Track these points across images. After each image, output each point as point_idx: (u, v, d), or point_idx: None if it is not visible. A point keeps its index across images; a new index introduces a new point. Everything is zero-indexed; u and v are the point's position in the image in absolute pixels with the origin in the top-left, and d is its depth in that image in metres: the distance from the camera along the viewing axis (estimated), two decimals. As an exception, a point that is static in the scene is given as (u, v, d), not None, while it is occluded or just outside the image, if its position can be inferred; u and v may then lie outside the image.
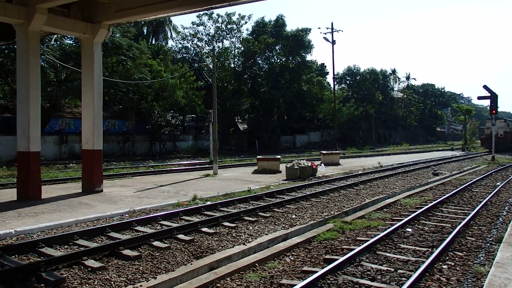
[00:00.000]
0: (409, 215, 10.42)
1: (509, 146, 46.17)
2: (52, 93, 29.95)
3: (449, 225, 9.60)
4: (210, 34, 48.48)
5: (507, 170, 23.50)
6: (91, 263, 6.40)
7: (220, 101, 39.78)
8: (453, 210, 11.45)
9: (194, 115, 44.73)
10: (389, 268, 6.58)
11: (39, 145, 12.25)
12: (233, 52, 49.29)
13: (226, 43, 49.26)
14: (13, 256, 6.70)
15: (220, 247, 7.58)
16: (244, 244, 7.87)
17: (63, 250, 7.16)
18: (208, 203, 11.27)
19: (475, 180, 17.94)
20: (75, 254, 6.59)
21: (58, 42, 29.41)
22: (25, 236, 8.01)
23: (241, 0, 10.81)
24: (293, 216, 10.21)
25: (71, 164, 25.13)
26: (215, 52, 42.35)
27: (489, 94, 32.01)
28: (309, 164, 18.84)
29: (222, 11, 48.78)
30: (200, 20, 47.68)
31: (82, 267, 6.31)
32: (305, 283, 5.65)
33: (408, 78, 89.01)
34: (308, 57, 52.86)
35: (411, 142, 70.46)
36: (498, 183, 17.13)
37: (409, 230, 9.10)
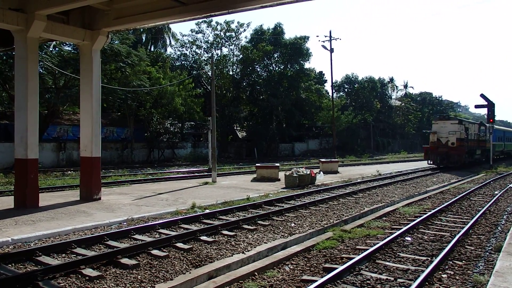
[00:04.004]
0: (408, 223, 10.40)
1: (465, 160, 30.31)
2: (50, 100, 29.96)
3: (448, 234, 9.58)
4: (209, 41, 48.72)
5: (505, 179, 23.52)
6: (89, 272, 6.35)
7: (219, 108, 39.84)
8: (452, 219, 11.44)
9: (192, 123, 44.77)
10: (389, 277, 6.55)
11: (37, 152, 12.20)
12: (231, 59, 49.46)
13: (225, 50, 49.57)
14: (10, 265, 6.63)
15: (219, 256, 7.54)
16: (243, 252, 7.83)
17: (61, 258, 7.10)
18: (207, 211, 11.23)
19: (473, 188, 17.94)
20: (73, 263, 6.53)
21: (56, 49, 29.47)
22: (22, 244, 7.94)
23: (239, 8, 10.86)
24: (292, 225, 10.17)
25: (69, 172, 25.05)
26: (214, 60, 42.51)
27: (486, 103, 32.07)
28: (308, 172, 18.82)
29: (221, 19, 49.08)
30: (199, 27, 47.99)
31: (79, 276, 6.25)
32: (305, 293, 5.61)
33: (406, 86, 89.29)
34: (307, 65, 53.17)
35: (409, 150, 70.50)
36: (496, 192, 17.13)
37: (409, 239, 9.07)
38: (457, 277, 6.67)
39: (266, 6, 10.56)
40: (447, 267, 7.19)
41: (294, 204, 12.78)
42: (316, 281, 6.13)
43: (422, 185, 19.64)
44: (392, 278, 6.50)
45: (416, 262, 7.41)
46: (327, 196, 14.40)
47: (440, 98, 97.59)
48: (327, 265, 7.19)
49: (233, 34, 48.74)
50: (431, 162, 30.08)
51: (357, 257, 7.22)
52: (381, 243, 8.24)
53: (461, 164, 29.53)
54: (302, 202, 13.16)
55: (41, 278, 5.95)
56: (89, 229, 9.20)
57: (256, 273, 6.90)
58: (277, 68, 51.43)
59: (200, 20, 46.08)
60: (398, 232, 9.24)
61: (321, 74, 66.31)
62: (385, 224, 10.85)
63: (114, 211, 11.20)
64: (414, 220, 10.87)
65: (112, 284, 6.04)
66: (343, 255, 7.80)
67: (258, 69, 50.82)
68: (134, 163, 34.47)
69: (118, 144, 35.54)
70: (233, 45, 49.43)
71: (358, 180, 20.57)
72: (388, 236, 8.96)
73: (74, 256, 7.20)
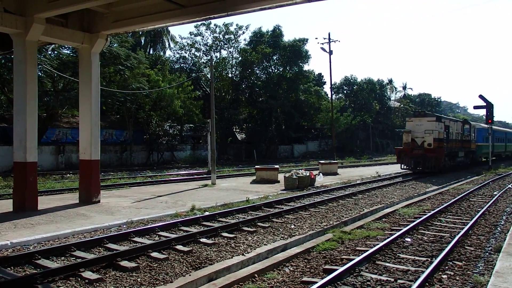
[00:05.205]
0: (408, 224, 10.40)
1: (444, 163, 26.03)
2: (49, 103, 29.97)
3: (448, 234, 9.58)
4: (208, 44, 48.78)
5: (504, 180, 23.53)
6: (88, 275, 6.33)
7: (218, 110, 39.81)
8: (451, 220, 11.44)
9: (192, 125, 44.77)
10: (389, 278, 6.54)
11: (36, 156, 12.18)
12: (230, 62, 49.50)
13: (224, 53, 49.61)
14: (9, 268, 6.61)
15: (219, 258, 7.53)
16: (243, 254, 7.82)
17: (60, 261, 7.08)
18: (207, 213, 11.22)
19: (472, 189, 17.95)
20: (72, 266, 6.52)
21: (55, 52, 29.47)
22: (21, 247, 7.91)
23: (239, 10, 10.87)
24: (292, 226, 10.16)
25: (68, 175, 25.02)
26: (213, 62, 42.51)
27: (485, 104, 32.10)
28: (308, 174, 18.82)
29: (219, 22, 49.33)
30: (198, 30, 48.05)
31: (79, 279, 6.24)
32: (305, 294, 5.60)
33: (404, 87, 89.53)
34: (306, 67, 53.15)
35: (408, 151, 70.39)
36: (495, 193, 17.14)
37: (408, 239, 9.07)
38: (457, 278, 6.67)
39: (265, 9, 10.56)
40: (447, 267, 7.19)
41: (293, 205, 12.78)
42: (316, 282, 6.12)
43: (422, 186, 19.64)
44: (392, 279, 6.49)
45: (416, 263, 7.41)
46: (326, 198, 14.40)
47: (439, 99, 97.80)
48: (327, 267, 7.18)
49: (232, 36, 48.80)
50: (405, 167, 25.95)
51: (357, 258, 7.21)
52: (381, 244, 8.23)
53: (440, 169, 25.38)
54: (301, 203, 13.16)
55: (41, 281, 5.94)
56: (88, 232, 9.17)
57: (256, 275, 6.89)
58: (276, 70, 51.48)
59: (199, 23, 46.16)
60: (398, 233, 9.24)
61: (320, 76, 66.42)
62: (385, 225, 10.85)
63: (113, 214, 11.18)
64: (414, 221, 10.87)
65: (112, 287, 6.03)
66: (343, 257, 7.80)
67: (257, 71, 50.89)
68: (133, 165, 34.45)
69: (117, 147, 35.51)
70: (232, 48, 49.54)
71: (358, 182, 20.56)
72: (388, 237, 8.96)
73: (73, 259, 7.18)
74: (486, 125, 35.73)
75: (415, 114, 27.88)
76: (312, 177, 19.22)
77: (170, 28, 53.18)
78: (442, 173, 25.40)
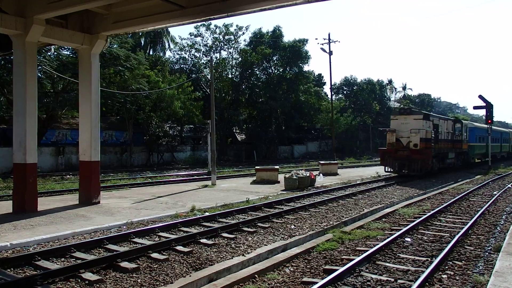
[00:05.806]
0: (408, 224, 10.41)
1: (432, 166, 23.97)
2: (49, 104, 29.95)
3: (448, 234, 9.58)
4: (208, 45, 48.80)
5: (504, 180, 23.52)
6: (88, 276, 6.34)
7: (218, 111, 39.83)
8: (451, 220, 11.44)
9: (192, 126, 44.75)
10: (389, 278, 6.55)
11: (36, 157, 12.19)
12: (230, 62, 49.50)
13: (224, 53, 49.61)
14: (9, 270, 6.61)
15: (219, 259, 7.53)
16: (243, 255, 7.82)
17: (60, 263, 7.08)
18: (207, 214, 11.22)
19: (472, 189, 17.96)
20: (72, 267, 6.53)
21: (55, 53, 29.47)
22: (21, 249, 7.91)
23: (238, 11, 10.89)
24: (292, 227, 10.17)
25: (68, 176, 25.01)
26: (213, 63, 42.51)
27: (484, 104, 32.09)
28: (308, 174, 18.83)
29: (219, 22, 49.33)
30: (198, 31, 48.06)
31: (79, 280, 6.24)
32: (305, 295, 5.60)
33: (404, 88, 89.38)
34: (306, 68, 53.18)
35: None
36: (495, 192, 17.15)
37: (408, 239, 9.07)
38: (457, 278, 6.67)
39: (265, 9, 10.57)
40: (447, 267, 7.19)
41: (293, 206, 12.78)
42: (316, 283, 6.13)
43: (421, 186, 19.63)
44: (393, 279, 6.50)
45: (416, 262, 7.41)
46: (326, 198, 14.41)
47: (439, 100, 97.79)
48: (327, 267, 7.18)
49: (232, 37, 48.81)
50: (390, 170, 23.65)
51: (357, 259, 7.21)
52: (381, 244, 8.24)
53: (427, 172, 23.31)
54: (301, 204, 13.16)
55: (41, 282, 5.94)
56: (88, 233, 9.18)
57: (256, 276, 6.89)
58: (276, 71, 51.50)
59: (199, 24, 46.16)
60: (397, 233, 9.24)
61: (320, 76, 66.36)
62: (385, 225, 10.85)
63: (113, 215, 11.18)
64: (414, 221, 10.87)
65: (112, 288, 6.03)
66: (343, 257, 7.80)
67: (257, 72, 50.90)
68: (133, 166, 34.44)
69: (117, 148, 35.51)
70: (232, 48, 49.53)
71: (358, 182, 20.56)
72: (388, 237, 8.96)
73: (73, 260, 7.18)
74: (479, 124, 33.56)
75: (400, 111, 24.87)
76: (312, 177, 19.24)
77: (170, 29, 53.13)
78: (430, 177, 23.48)
